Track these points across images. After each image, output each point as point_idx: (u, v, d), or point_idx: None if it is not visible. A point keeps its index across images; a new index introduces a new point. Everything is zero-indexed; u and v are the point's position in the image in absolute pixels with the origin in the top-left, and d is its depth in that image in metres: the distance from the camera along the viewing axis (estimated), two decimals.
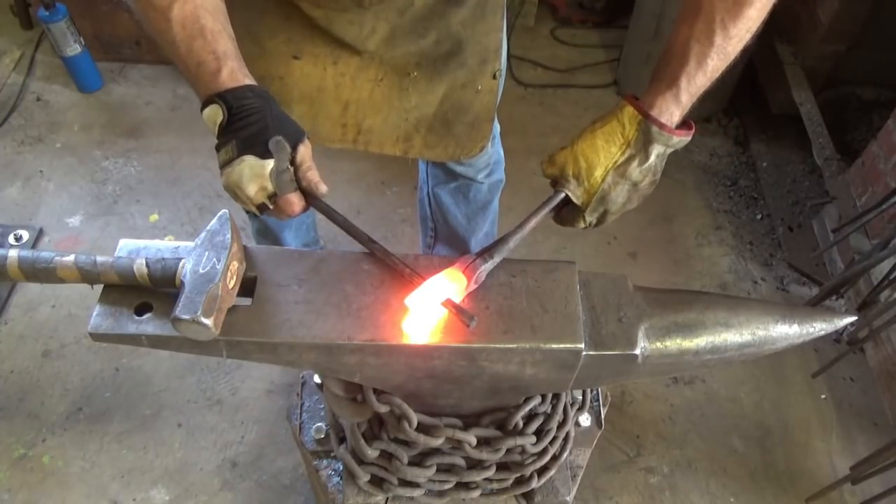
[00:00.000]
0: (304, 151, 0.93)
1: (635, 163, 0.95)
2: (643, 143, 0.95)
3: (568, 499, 1.20)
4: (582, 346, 0.89)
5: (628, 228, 2.55)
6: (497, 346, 0.88)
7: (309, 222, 1.96)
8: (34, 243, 2.34)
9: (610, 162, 0.95)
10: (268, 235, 1.87)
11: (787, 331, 1.00)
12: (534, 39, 3.24)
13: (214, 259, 0.86)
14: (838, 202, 2.34)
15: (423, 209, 1.95)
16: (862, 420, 2.12)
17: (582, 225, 1.02)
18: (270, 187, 0.90)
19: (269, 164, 0.89)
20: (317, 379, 1.24)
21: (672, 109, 0.94)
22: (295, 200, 0.93)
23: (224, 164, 0.90)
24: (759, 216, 2.63)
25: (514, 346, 0.88)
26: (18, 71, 2.91)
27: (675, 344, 0.95)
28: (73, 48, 2.70)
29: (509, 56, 1.83)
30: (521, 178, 2.26)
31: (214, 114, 0.89)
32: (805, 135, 2.53)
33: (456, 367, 0.91)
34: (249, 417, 2.02)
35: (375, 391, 0.98)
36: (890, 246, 1.91)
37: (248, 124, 0.89)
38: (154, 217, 2.48)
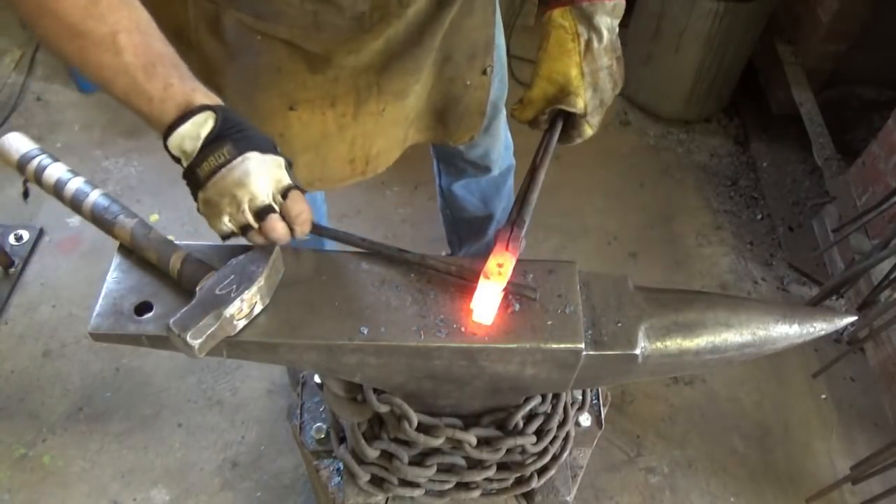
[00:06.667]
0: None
1: (595, 45, 1.02)
2: (587, 25, 1.02)
3: (568, 499, 1.20)
4: (582, 346, 0.89)
5: (628, 228, 2.56)
6: (497, 346, 0.88)
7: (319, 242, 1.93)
8: (34, 243, 2.35)
9: (577, 58, 1.01)
10: None
11: (787, 331, 1.00)
12: (534, 39, 3.21)
13: (234, 286, 0.81)
14: (838, 202, 2.35)
15: (443, 210, 1.95)
16: (862, 420, 2.12)
17: (589, 131, 1.08)
18: (286, 181, 0.82)
19: (281, 159, 0.81)
20: (317, 379, 1.24)
21: None
22: (280, 226, 0.82)
23: (214, 171, 0.77)
24: (759, 216, 2.63)
25: (515, 346, 0.88)
26: (19, 71, 2.91)
27: (675, 344, 0.95)
28: None
29: (510, 56, 1.83)
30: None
31: (198, 126, 0.77)
32: (805, 135, 2.53)
33: (456, 367, 0.91)
34: (249, 417, 2.02)
35: (375, 391, 0.98)
36: (890, 246, 1.91)
37: (245, 128, 0.79)
38: (154, 217, 2.47)
